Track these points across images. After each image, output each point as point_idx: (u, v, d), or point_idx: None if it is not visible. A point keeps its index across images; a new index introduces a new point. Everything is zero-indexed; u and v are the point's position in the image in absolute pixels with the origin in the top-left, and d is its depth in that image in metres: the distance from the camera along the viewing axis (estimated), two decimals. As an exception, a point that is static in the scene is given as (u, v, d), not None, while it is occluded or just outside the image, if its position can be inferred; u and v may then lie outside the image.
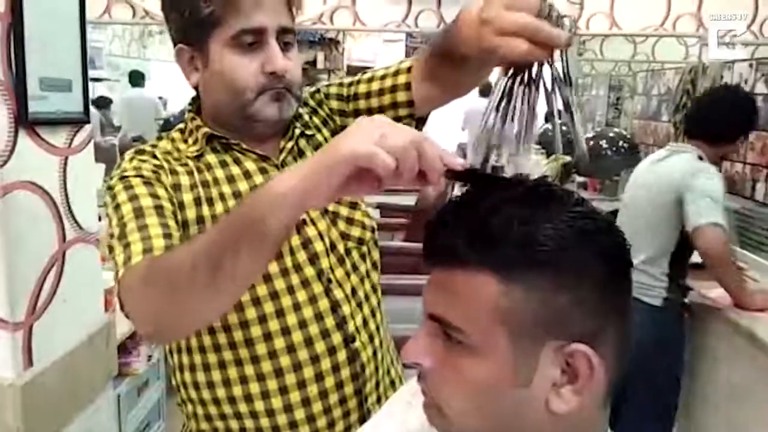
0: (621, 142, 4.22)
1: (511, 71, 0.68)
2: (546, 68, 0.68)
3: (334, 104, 1.04)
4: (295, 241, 0.95)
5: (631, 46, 4.96)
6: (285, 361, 0.93)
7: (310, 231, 0.96)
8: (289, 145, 0.98)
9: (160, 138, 1.00)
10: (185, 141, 0.98)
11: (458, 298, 0.58)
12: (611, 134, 4.55)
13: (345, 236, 1.00)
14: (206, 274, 0.70)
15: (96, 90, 5.72)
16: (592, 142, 4.21)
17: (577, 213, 0.58)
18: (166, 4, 0.94)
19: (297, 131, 1.00)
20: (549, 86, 0.67)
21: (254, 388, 0.94)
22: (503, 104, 0.67)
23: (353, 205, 1.02)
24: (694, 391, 2.42)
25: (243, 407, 0.95)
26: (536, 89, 0.68)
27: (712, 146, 2.17)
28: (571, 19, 0.70)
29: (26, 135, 1.27)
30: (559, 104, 0.67)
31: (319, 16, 3.75)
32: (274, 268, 0.92)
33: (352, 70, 7.43)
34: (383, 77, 1.00)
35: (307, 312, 0.94)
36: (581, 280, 0.57)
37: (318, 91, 1.06)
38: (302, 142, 1.01)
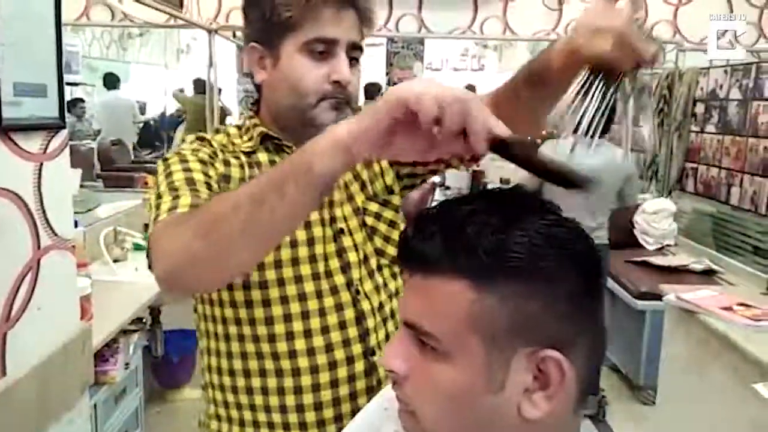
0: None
1: (590, 70, 0.71)
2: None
3: None
4: (330, 248, 0.99)
5: (609, 52, 5.01)
6: (303, 362, 0.96)
7: (347, 241, 1.00)
8: None
9: (217, 131, 1.04)
10: (240, 137, 1.02)
11: (432, 305, 0.59)
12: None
13: (379, 252, 1.04)
14: (247, 211, 0.70)
15: (74, 94, 5.65)
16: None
17: (550, 221, 0.59)
18: (248, 3, 0.98)
19: None
20: (628, 92, 0.69)
21: (271, 382, 0.97)
22: (578, 99, 0.69)
23: (392, 224, 1.05)
24: (669, 394, 2.45)
25: (258, 399, 0.98)
26: (615, 91, 0.70)
27: None
28: (659, 41, 0.74)
29: (0, 141, 1.25)
30: (633, 111, 0.69)
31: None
32: (306, 270, 0.96)
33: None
34: None
35: (332, 319, 0.97)
36: (553, 287, 0.57)
37: None
38: None
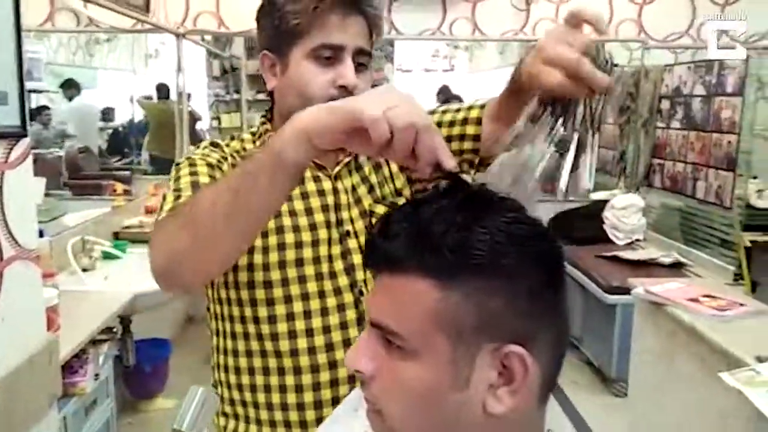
0: (569, 145, 4.35)
1: (538, 100, 0.71)
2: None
3: None
4: (336, 250, 1.01)
5: (577, 51, 5.08)
6: (304, 361, 0.99)
7: (352, 243, 1.02)
8: (347, 159, 1.06)
9: (232, 138, 1.08)
10: (254, 143, 1.06)
11: (397, 304, 0.60)
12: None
13: None
14: (225, 202, 0.75)
15: (39, 102, 5.54)
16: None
17: (512, 219, 0.60)
18: (260, 12, 1.02)
19: None
20: (577, 125, 0.70)
21: (274, 380, 1.00)
22: (527, 129, 0.70)
23: None
24: (640, 386, 2.49)
25: (261, 397, 1.01)
26: (563, 124, 0.71)
27: None
28: (615, 66, 0.77)
29: (-43, 151, 1.23)
30: (575, 144, 0.70)
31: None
32: (310, 270, 0.99)
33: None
34: (457, 110, 1.07)
35: (334, 319, 1.00)
36: (515, 283, 0.59)
37: None
38: (362, 158, 1.08)
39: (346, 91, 0.96)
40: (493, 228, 0.58)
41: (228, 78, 5.97)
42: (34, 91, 5.39)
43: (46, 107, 5.62)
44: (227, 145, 1.05)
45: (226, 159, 1.01)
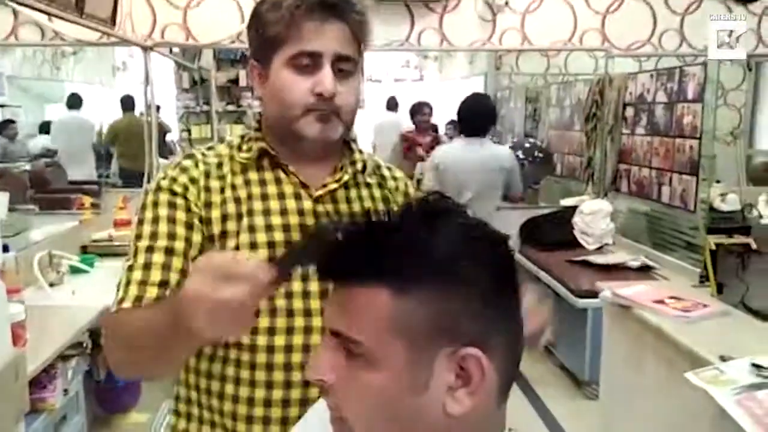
0: (536, 152, 4.42)
1: None
2: None
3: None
4: (314, 287, 0.99)
5: (545, 60, 5.18)
6: (279, 375, 0.98)
7: (316, 321, 0.99)
8: (333, 186, 1.04)
9: (222, 140, 1.08)
10: (240, 147, 1.04)
11: (355, 312, 0.61)
12: (527, 144, 4.74)
13: None
14: (150, 345, 0.84)
15: (4, 115, 5.44)
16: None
17: (463, 226, 0.63)
18: (249, 22, 1.03)
19: (347, 177, 1.04)
20: None
21: (244, 391, 0.99)
22: None
23: None
24: (611, 388, 2.53)
25: (228, 406, 0.99)
26: None
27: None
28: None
29: None
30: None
31: (237, 35, 3.73)
32: (280, 341, 0.97)
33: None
34: None
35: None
36: (469, 289, 0.60)
37: (407, 185, 1.16)
38: (352, 193, 1.06)
39: (323, 99, 0.96)
40: (442, 234, 0.60)
41: (197, 90, 5.94)
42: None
43: (11, 121, 5.53)
44: (210, 149, 1.04)
45: (196, 181, 0.99)
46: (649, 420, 2.17)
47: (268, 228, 0.99)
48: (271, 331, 0.97)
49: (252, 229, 0.98)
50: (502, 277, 0.64)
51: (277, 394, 0.97)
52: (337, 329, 0.62)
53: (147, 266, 0.94)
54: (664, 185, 3.55)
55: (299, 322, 0.98)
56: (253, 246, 0.97)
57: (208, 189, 0.99)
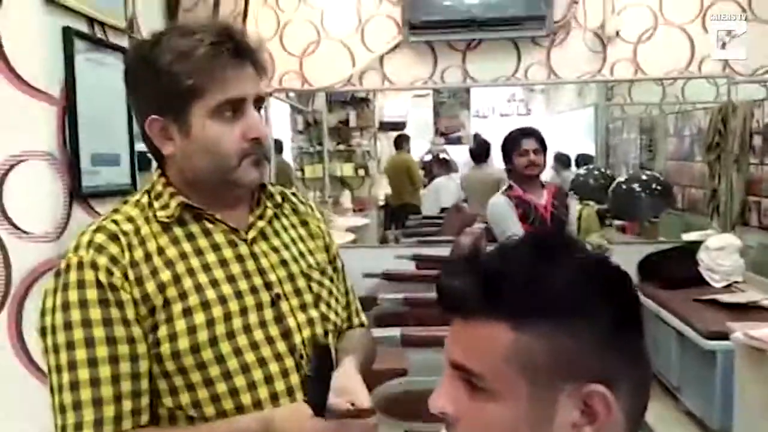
0: (654, 185, 4.21)
1: None
2: None
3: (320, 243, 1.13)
4: (268, 315, 0.98)
5: (660, 89, 4.98)
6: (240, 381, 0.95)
7: (284, 306, 1.00)
8: (260, 224, 1.03)
9: (125, 202, 1.00)
10: (150, 205, 0.98)
11: (475, 346, 0.62)
12: (644, 177, 4.53)
13: (325, 318, 1.05)
14: None
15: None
16: (624, 186, 4.20)
17: (581, 260, 0.63)
18: (135, 78, 0.98)
19: (269, 212, 1.05)
20: None
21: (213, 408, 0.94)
22: None
23: (331, 293, 1.09)
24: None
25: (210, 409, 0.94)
26: None
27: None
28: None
29: (80, 207, 1.36)
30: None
31: (348, 78, 3.89)
32: (243, 341, 0.95)
33: (385, 126, 7.62)
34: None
35: (279, 385, 0.97)
36: (588, 323, 0.60)
37: (313, 207, 1.16)
38: (276, 225, 1.06)
39: (257, 143, 0.95)
40: (563, 267, 0.61)
41: (310, 131, 6.22)
42: (142, 152, 5.82)
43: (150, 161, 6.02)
44: (116, 221, 0.95)
45: (118, 261, 0.91)
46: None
47: (213, 283, 0.95)
48: (252, 386, 0.95)
49: (198, 288, 0.93)
50: (624, 310, 0.63)
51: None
52: (458, 361, 0.64)
53: (94, 382, 0.86)
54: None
55: (274, 368, 0.97)
56: (205, 305, 0.93)
57: (134, 264, 0.92)
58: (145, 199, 0.99)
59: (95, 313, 0.88)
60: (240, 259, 0.99)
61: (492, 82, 4.02)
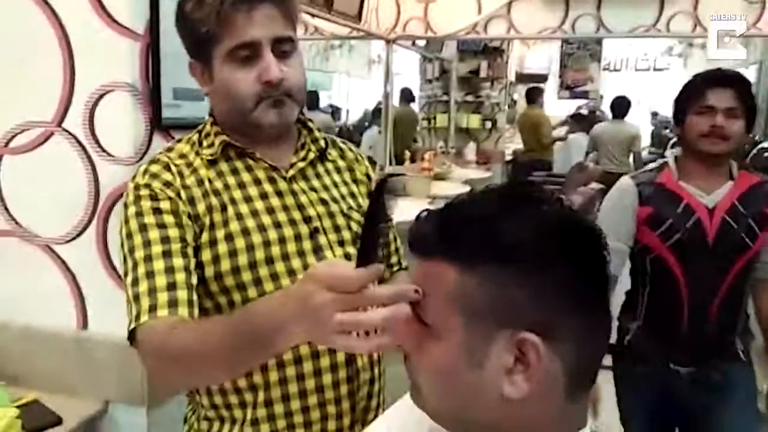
0: None
1: None
2: None
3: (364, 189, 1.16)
4: (307, 245, 1.01)
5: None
6: (291, 371, 1.00)
7: (322, 239, 1.03)
8: (301, 164, 1.07)
9: (179, 140, 1.08)
10: (200, 143, 1.05)
11: (425, 285, 0.65)
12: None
13: None
14: (218, 357, 0.85)
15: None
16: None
17: (545, 213, 0.62)
18: (176, 25, 1.03)
19: (311, 155, 1.08)
20: None
21: (273, 376, 1.00)
22: None
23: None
24: None
25: (249, 396, 1.00)
26: None
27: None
28: None
29: (160, 136, 1.49)
30: None
31: (473, 25, 3.80)
32: (281, 267, 0.99)
33: (523, 78, 7.31)
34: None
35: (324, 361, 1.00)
36: (538, 275, 0.60)
37: (363, 156, 1.19)
38: (319, 168, 1.10)
39: (271, 85, 0.97)
40: (521, 220, 0.61)
41: (441, 81, 6.18)
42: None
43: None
44: (170, 151, 1.03)
45: (171, 184, 0.99)
46: None
47: (254, 213, 1.00)
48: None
49: (239, 216, 0.99)
50: (582, 266, 0.61)
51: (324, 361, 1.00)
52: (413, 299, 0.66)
53: (150, 275, 0.93)
54: None
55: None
56: (245, 232, 0.98)
57: (185, 186, 0.99)
58: (195, 137, 1.06)
59: (149, 219, 0.97)
60: (279, 194, 1.03)
61: (629, 33, 3.73)
